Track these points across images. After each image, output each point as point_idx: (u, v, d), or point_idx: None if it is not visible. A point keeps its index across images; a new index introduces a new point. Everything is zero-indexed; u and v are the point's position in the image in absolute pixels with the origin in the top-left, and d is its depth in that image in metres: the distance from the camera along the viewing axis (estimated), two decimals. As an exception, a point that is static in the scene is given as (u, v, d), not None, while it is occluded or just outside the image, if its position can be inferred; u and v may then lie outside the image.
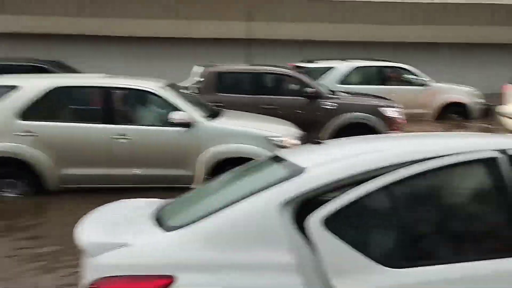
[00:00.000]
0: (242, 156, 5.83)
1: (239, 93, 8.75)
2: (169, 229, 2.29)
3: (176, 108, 6.09)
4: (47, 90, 6.04)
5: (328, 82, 10.97)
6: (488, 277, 2.10)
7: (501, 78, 14.62)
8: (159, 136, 6.11)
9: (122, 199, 3.10)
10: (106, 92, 6.19)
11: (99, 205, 2.89)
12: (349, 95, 9.45)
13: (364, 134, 8.87)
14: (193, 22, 15.63)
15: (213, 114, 6.56)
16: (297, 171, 2.31)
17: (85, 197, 5.64)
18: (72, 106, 6.60)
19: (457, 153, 2.22)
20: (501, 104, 11.01)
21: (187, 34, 15.64)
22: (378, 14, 15.99)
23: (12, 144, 5.85)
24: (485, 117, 12.30)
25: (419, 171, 2.16)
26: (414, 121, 10.63)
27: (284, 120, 7.15)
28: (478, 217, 2.35)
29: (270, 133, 6.21)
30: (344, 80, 11.68)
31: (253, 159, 5.08)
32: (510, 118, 10.56)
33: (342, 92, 9.55)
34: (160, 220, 2.43)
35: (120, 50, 15.94)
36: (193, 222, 2.26)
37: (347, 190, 2.15)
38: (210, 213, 2.26)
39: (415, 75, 12.21)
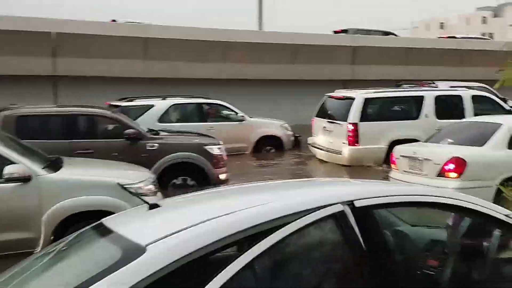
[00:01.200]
0: (93, 209, 5.25)
1: (47, 139, 7.64)
2: None
3: (8, 160, 5.20)
4: None
5: (147, 120, 10.63)
6: None
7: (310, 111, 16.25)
8: None
9: None
10: None
11: None
12: (172, 134, 9.24)
13: (190, 174, 8.73)
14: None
15: (52, 164, 5.73)
16: (131, 250, 1.88)
17: None
18: None
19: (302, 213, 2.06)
20: (311, 136, 12.08)
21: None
22: (193, 52, 16.29)
23: None
24: (297, 147, 13.36)
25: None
26: (234, 156, 11.01)
27: (134, 164, 6.65)
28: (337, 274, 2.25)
29: (123, 180, 5.46)
30: (163, 118, 11.50)
31: (108, 211, 4.65)
32: (318, 148, 11.67)
33: (164, 131, 9.30)
34: None
35: None
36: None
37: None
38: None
39: (231, 110, 12.63)
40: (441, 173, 7.46)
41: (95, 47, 14.89)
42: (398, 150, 8.48)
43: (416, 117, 10.79)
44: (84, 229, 2.70)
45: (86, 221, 5.09)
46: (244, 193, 2.80)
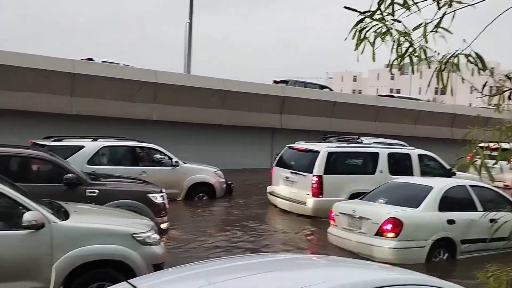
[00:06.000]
0: (104, 258, 5.16)
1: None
2: None
3: (23, 206, 4.95)
4: None
5: (76, 162, 9.96)
6: None
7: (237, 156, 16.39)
8: (2, 241, 4.84)
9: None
10: None
11: None
12: (112, 179, 8.81)
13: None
14: None
15: (60, 211, 5.51)
16: None
17: None
18: None
19: None
20: (270, 184, 12.24)
21: None
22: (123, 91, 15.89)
23: None
24: (228, 195, 13.28)
25: None
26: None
27: (136, 214, 6.63)
28: None
29: (135, 229, 5.48)
30: (93, 160, 10.95)
31: (116, 260, 4.94)
32: (279, 197, 11.73)
33: (103, 175, 8.85)
34: None
35: None
36: None
37: None
38: None
39: (165, 155, 12.34)
40: (379, 232, 7.81)
41: (21, 80, 13.99)
42: (337, 207, 8.74)
43: (372, 172, 11.31)
44: None
45: (93, 271, 5.12)
46: (271, 269, 2.76)
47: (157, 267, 5.37)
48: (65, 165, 8.08)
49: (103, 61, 19.40)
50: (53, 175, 7.82)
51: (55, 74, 14.64)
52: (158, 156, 12.34)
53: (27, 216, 4.93)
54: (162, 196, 8.54)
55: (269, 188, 12.35)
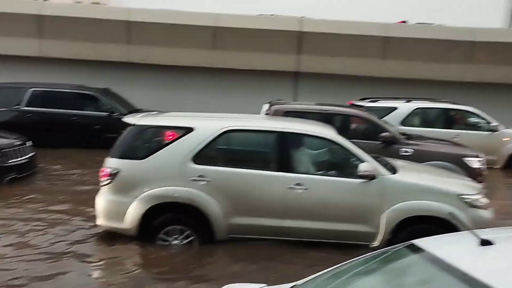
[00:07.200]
0: (431, 215, 5.30)
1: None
2: None
3: (357, 158, 5.54)
4: (220, 133, 5.57)
5: (390, 123, 10.27)
6: None
7: None
8: (339, 187, 5.51)
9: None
10: (281, 137, 5.61)
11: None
12: (426, 140, 8.70)
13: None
14: (239, 54, 15.18)
15: (387, 165, 5.89)
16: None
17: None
18: (244, 151, 6.12)
19: None
20: None
21: (233, 65, 15.18)
22: (439, 52, 15.30)
23: (188, 189, 5.39)
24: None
25: None
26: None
27: (460, 175, 6.60)
28: None
29: (462, 190, 5.51)
30: (406, 122, 11.01)
31: (441, 218, 5.07)
32: None
33: (415, 136, 8.83)
34: None
35: (162, 78, 15.54)
36: None
37: None
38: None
39: (482, 118, 11.43)
40: None
41: (337, 46, 15.09)
42: None
43: None
44: (397, 246, 2.63)
45: (414, 227, 5.28)
46: None
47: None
48: (382, 124, 8.36)
49: (416, 23, 19.02)
50: (370, 133, 8.21)
51: (366, 39, 15.18)
52: (474, 119, 11.53)
53: (362, 167, 5.38)
54: (479, 161, 7.96)
55: None
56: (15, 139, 8.92)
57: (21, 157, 8.63)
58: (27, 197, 7.60)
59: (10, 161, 8.36)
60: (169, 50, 15.04)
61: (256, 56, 15.08)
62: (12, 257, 5.27)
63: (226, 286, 3.00)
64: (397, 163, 6.16)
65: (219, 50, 15.20)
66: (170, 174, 5.43)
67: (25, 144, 8.95)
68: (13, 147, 8.57)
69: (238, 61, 15.10)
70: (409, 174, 5.77)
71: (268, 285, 2.91)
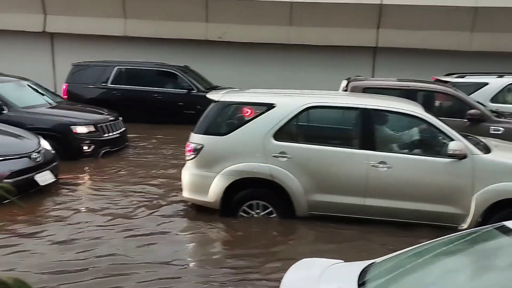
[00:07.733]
0: None
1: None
2: None
3: (446, 136, 5.36)
4: (302, 109, 5.59)
5: (478, 99, 9.68)
6: None
7: None
8: (426, 166, 5.36)
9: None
10: (365, 114, 5.52)
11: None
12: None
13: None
14: (316, 30, 14.91)
15: (479, 144, 5.64)
16: None
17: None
18: (326, 128, 6.11)
19: None
20: None
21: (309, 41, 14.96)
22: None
23: (269, 165, 5.47)
24: None
25: None
26: None
27: None
28: None
29: None
30: (497, 98, 10.31)
31: None
32: None
33: (509, 114, 8.27)
34: None
35: (238, 56, 15.64)
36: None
37: None
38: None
39: None
40: None
41: (420, 19, 14.38)
42: None
43: None
44: (486, 227, 2.53)
45: (508, 210, 4.99)
46: None
47: None
48: (469, 100, 7.91)
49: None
50: (457, 110, 7.82)
51: (456, 10, 14.32)
52: None
53: (452, 145, 5.14)
54: None
55: None
56: (108, 114, 9.42)
57: (114, 131, 9.10)
58: (121, 170, 8.05)
59: (105, 135, 8.85)
60: (246, 27, 15.10)
61: (334, 32, 14.76)
62: (105, 226, 5.62)
63: (303, 259, 3.01)
64: (490, 142, 5.84)
65: (295, 26, 15.03)
66: (252, 150, 5.50)
67: (118, 119, 9.44)
68: (107, 122, 9.07)
69: (315, 37, 14.86)
70: (505, 154, 5.46)
71: (346, 261, 2.88)
